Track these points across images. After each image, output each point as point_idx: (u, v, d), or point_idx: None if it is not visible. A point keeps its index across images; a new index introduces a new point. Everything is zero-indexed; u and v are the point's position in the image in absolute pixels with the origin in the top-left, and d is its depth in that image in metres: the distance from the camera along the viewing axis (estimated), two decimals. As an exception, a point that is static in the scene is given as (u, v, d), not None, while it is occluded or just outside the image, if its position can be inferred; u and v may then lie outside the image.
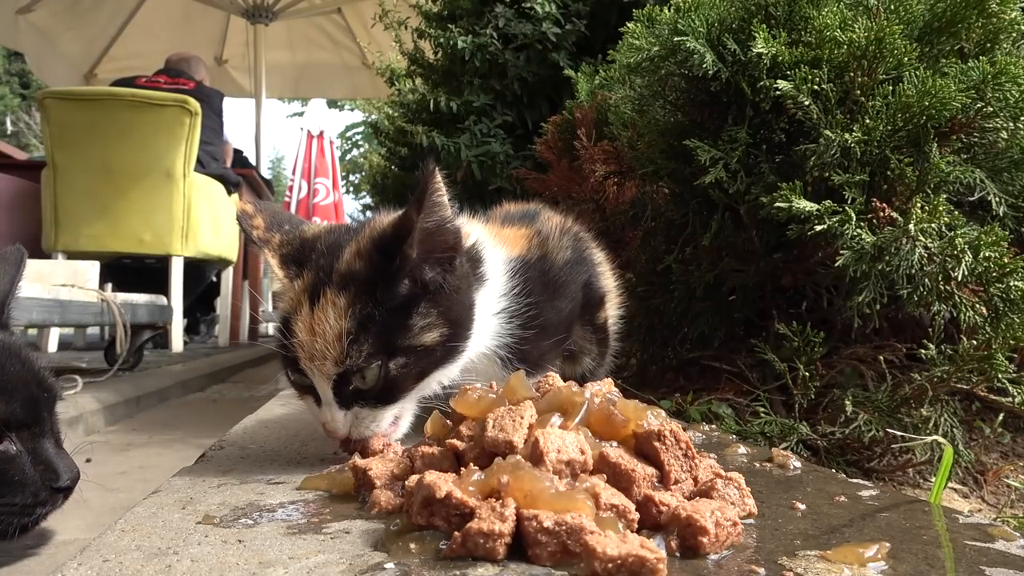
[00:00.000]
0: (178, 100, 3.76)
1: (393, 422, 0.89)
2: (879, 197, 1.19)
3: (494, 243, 1.03)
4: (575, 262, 1.13)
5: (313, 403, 0.90)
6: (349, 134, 15.37)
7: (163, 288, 3.80)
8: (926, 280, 1.11)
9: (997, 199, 1.19)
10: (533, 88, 3.00)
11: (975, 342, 1.10)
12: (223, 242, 4.34)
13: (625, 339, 1.47)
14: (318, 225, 1.01)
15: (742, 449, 1.00)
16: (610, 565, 0.51)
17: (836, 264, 1.16)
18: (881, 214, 1.16)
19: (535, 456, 0.63)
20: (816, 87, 1.23)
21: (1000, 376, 1.08)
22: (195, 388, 3.40)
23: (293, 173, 12.25)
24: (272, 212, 0.99)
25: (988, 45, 1.26)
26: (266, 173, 9.12)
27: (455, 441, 0.73)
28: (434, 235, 0.85)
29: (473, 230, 1.02)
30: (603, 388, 0.78)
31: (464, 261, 0.92)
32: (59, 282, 2.46)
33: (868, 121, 1.18)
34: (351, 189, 14.61)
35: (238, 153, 5.63)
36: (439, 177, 0.82)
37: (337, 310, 0.82)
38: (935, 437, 1.03)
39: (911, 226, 1.10)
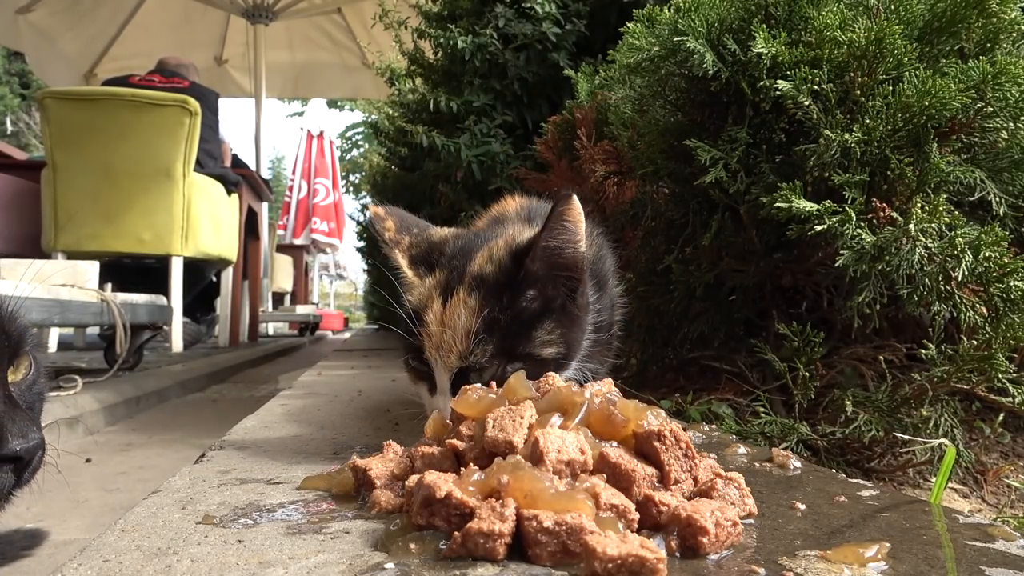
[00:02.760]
0: (178, 100, 3.76)
1: None
2: (879, 197, 1.19)
3: None
4: (606, 258, 1.19)
5: (426, 391, 0.97)
6: (349, 134, 15.39)
7: (163, 288, 3.80)
8: (926, 280, 1.11)
9: (997, 199, 1.19)
10: (533, 88, 3.00)
11: (975, 342, 1.10)
12: (223, 242, 4.34)
13: (625, 339, 1.48)
14: (446, 229, 1.08)
15: (742, 449, 1.00)
16: (610, 565, 0.51)
17: (836, 264, 1.16)
18: (881, 214, 1.16)
19: (535, 456, 0.63)
20: (816, 87, 1.23)
21: (1000, 376, 1.08)
22: (195, 388, 3.40)
23: (293, 173, 12.28)
24: (400, 216, 1.06)
25: (988, 45, 1.26)
26: (266, 173, 9.11)
27: (455, 441, 0.73)
28: (555, 254, 0.91)
29: None
30: (603, 388, 0.78)
31: (586, 291, 0.98)
32: (59, 282, 2.46)
33: (868, 121, 1.18)
34: (351, 189, 14.61)
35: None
36: (575, 205, 0.88)
37: (468, 309, 0.90)
38: (942, 440, 1.03)
39: (911, 226, 1.10)
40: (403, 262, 1.00)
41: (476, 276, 0.93)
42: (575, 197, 0.88)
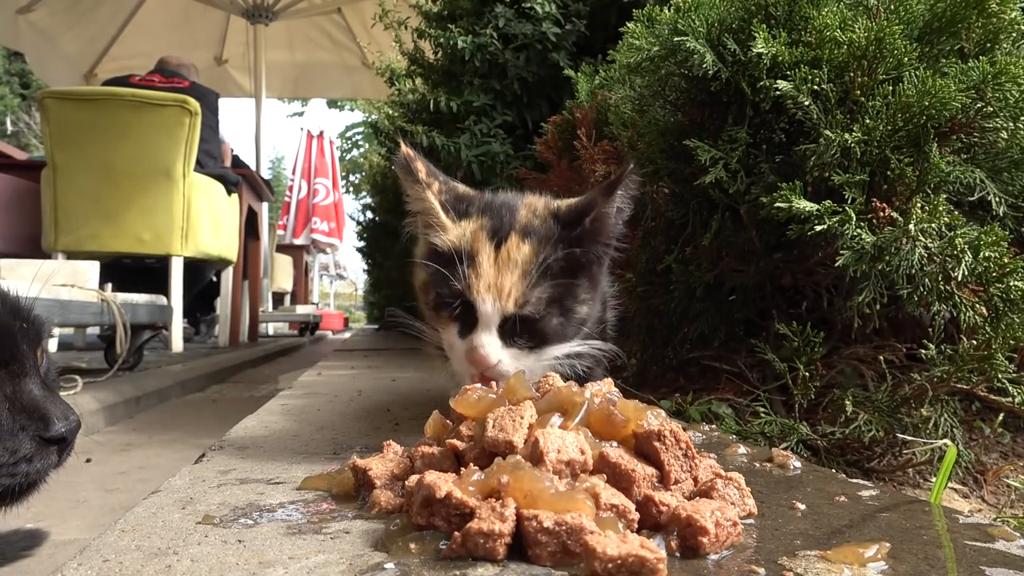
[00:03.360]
0: (178, 100, 3.76)
1: (529, 368, 0.96)
2: (879, 197, 1.19)
3: None
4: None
5: (455, 333, 0.97)
6: (349, 134, 15.38)
7: (163, 288, 3.80)
8: (926, 280, 1.11)
9: (997, 199, 1.19)
10: (533, 88, 3.00)
11: (975, 342, 1.10)
12: (223, 242, 4.34)
13: (625, 339, 1.47)
14: (463, 186, 1.10)
15: (742, 449, 1.00)
16: (610, 565, 0.51)
17: (836, 264, 1.16)
18: (881, 214, 1.16)
19: (535, 456, 0.63)
20: (816, 87, 1.23)
21: (1000, 376, 1.08)
22: (195, 388, 3.40)
23: (293, 173, 12.28)
24: (427, 162, 1.07)
25: (988, 45, 1.26)
26: (266, 173, 9.12)
27: (455, 441, 0.73)
28: (605, 220, 0.97)
29: None
30: (603, 388, 0.78)
31: (605, 266, 1.04)
32: (59, 282, 2.46)
33: (868, 121, 1.18)
34: (351, 189, 14.61)
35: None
36: (634, 176, 0.97)
37: (523, 255, 0.93)
38: (944, 441, 1.03)
39: (911, 226, 1.10)
40: (435, 203, 1.01)
41: (526, 226, 0.97)
42: (634, 166, 0.96)
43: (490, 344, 0.92)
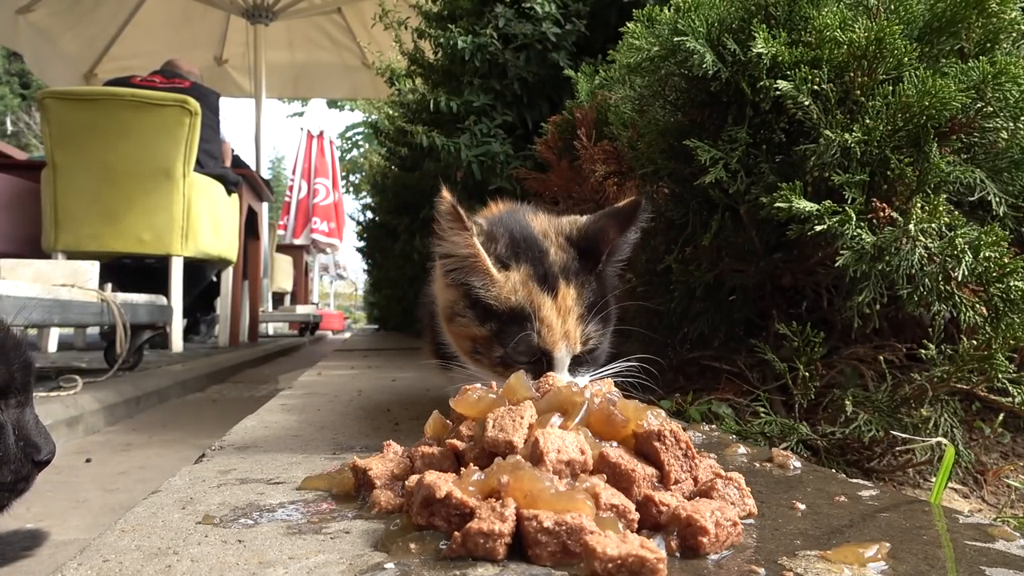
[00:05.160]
0: (178, 100, 3.76)
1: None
2: (879, 197, 1.19)
3: None
4: None
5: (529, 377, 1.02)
6: (349, 134, 15.38)
7: (163, 288, 3.80)
8: (926, 280, 1.11)
9: (997, 199, 1.19)
10: (533, 88, 3.00)
11: (975, 342, 1.10)
12: (223, 242, 4.34)
13: (625, 339, 1.47)
14: (478, 219, 1.10)
15: (742, 449, 1.00)
16: (610, 565, 0.51)
17: (836, 264, 1.16)
18: (881, 214, 1.16)
19: (535, 456, 0.63)
20: (816, 87, 1.23)
21: (1000, 376, 1.08)
22: (195, 388, 3.40)
23: (293, 173, 12.28)
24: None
25: (988, 45, 1.26)
26: (266, 173, 9.11)
27: (455, 441, 0.73)
28: (621, 248, 1.07)
29: None
30: (603, 388, 0.78)
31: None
32: (59, 282, 2.46)
33: (868, 121, 1.18)
34: (351, 189, 14.61)
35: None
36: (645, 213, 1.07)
37: (573, 299, 1.00)
38: (939, 439, 1.03)
39: (911, 226, 1.10)
40: (483, 253, 1.02)
41: (564, 268, 1.03)
42: (646, 200, 1.05)
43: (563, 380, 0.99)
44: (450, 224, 1.01)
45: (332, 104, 15.38)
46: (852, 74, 1.22)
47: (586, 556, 0.52)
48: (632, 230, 1.07)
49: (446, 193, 1.01)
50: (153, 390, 2.90)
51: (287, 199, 11.89)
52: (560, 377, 0.97)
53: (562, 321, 0.99)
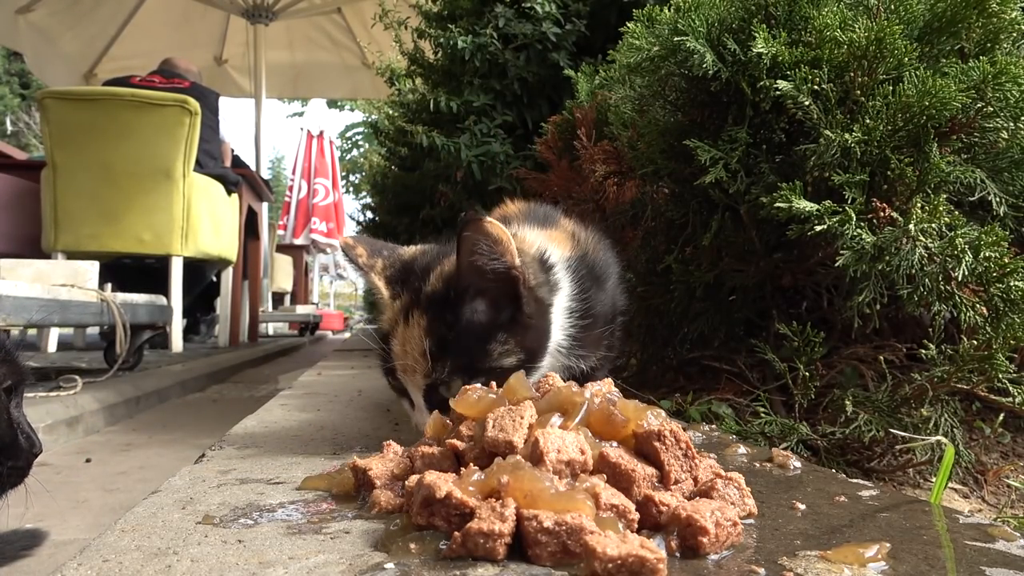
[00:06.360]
0: (178, 100, 3.76)
1: None
2: (879, 197, 1.19)
3: (553, 246, 1.09)
4: (603, 255, 1.21)
5: (408, 405, 1.01)
6: (349, 134, 15.39)
7: (163, 288, 3.80)
8: (926, 280, 1.11)
9: (997, 199, 1.19)
10: (533, 88, 3.00)
11: (975, 342, 1.10)
12: (223, 242, 4.34)
13: (625, 339, 1.47)
14: (414, 247, 1.10)
15: (742, 449, 1.00)
16: (610, 565, 0.51)
17: (836, 264, 1.16)
18: (881, 214, 1.16)
19: (535, 456, 0.63)
20: (816, 87, 1.23)
21: (1000, 376, 1.08)
22: (195, 388, 3.40)
23: (293, 173, 12.28)
24: (369, 242, 1.10)
25: (988, 45, 1.26)
26: (266, 173, 9.11)
27: (455, 441, 0.73)
28: (480, 271, 0.91)
29: (534, 237, 1.08)
30: (603, 388, 0.78)
31: (534, 300, 0.97)
32: (59, 282, 2.46)
33: (868, 121, 1.18)
34: (351, 189, 14.61)
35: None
36: (485, 226, 0.88)
37: (420, 330, 0.93)
38: (938, 437, 1.03)
39: (911, 226, 1.10)
40: (380, 284, 1.02)
41: (428, 296, 0.96)
42: (484, 220, 0.88)
43: (423, 420, 0.96)
44: (352, 267, 1.06)
45: (332, 104, 15.39)
46: (852, 74, 1.22)
47: (586, 556, 0.52)
48: (469, 251, 0.92)
49: (344, 238, 1.09)
50: (153, 390, 2.90)
51: (287, 199, 11.89)
52: (419, 415, 0.98)
53: (404, 351, 0.96)
